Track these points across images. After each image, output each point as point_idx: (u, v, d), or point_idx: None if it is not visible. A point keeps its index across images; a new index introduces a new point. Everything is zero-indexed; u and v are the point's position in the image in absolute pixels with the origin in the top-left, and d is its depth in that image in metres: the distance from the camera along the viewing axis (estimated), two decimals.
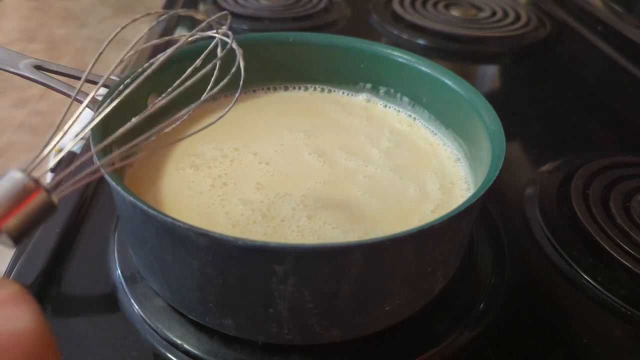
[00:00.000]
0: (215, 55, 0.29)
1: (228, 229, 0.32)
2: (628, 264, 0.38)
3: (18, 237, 0.18)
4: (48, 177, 0.57)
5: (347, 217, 0.34)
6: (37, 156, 0.20)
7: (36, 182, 0.19)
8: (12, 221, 0.18)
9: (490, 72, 0.75)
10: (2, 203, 0.18)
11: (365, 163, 0.39)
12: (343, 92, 0.46)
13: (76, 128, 0.28)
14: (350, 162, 0.39)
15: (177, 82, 0.27)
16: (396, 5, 0.83)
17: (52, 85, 0.33)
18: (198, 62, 0.28)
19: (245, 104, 0.45)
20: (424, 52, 0.71)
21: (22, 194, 0.18)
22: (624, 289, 0.38)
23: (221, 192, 0.35)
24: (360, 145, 0.41)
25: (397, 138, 0.42)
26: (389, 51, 0.42)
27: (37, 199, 0.18)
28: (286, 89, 0.47)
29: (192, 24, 0.76)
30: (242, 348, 0.32)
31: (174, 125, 0.27)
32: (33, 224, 0.19)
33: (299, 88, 0.47)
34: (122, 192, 0.26)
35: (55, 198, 0.19)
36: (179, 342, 0.32)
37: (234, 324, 0.30)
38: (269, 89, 0.46)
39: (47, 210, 0.19)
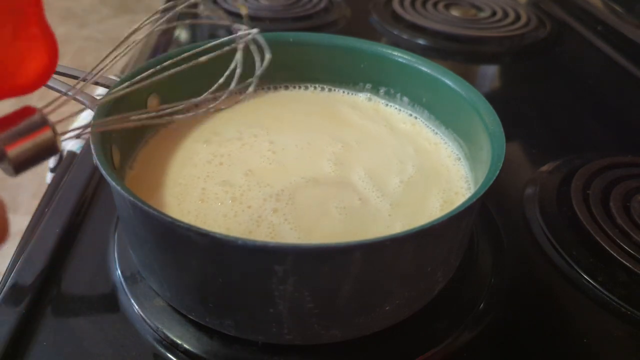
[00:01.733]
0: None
1: (196, 203, 0.34)
2: (628, 264, 0.38)
3: (19, 166, 0.19)
4: (48, 178, 0.57)
5: (307, 224, 0.33)
6: (55, 99, 0.22)
7: (45, 120, 0.20)
8: (18, 149, 0.19)
9: (490, 72, 0.75)
10: (13, 130, 0.19)
11: (374, 189, 0.36)
12: (344, 92, 0.46)
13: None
14: (362, 182, 0.37)
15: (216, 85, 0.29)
16: (396, 5, 0.83)
17: (52, 85, 0.33)
18: (239, 68, 0.30)
19: (266, 99, 0.46)
20: (424, 52, 0.71)
21: (32, 127, 0.19)
22: (624, 289, 0.38)
23: (213, 170, 0.37)
24: (388, 169, 0.38)
25: (420, 161, 0.40)
26: (389, 51, 0.42)
27: (44, 135, 0.20)
28: (286, 88, 0.47)
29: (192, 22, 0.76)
30: (242, 348, 0.32)
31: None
32: (35, 158, 0.20)
33: (299, 87, 0.47)
34: (122, 191, 0.26)
35: (59, 140, 0.20)
36: (179, 342, 0.32)
37: (234, 324, 0.30)
38: (269, 88, 0.46)
39: (50, 149, 0.20)
